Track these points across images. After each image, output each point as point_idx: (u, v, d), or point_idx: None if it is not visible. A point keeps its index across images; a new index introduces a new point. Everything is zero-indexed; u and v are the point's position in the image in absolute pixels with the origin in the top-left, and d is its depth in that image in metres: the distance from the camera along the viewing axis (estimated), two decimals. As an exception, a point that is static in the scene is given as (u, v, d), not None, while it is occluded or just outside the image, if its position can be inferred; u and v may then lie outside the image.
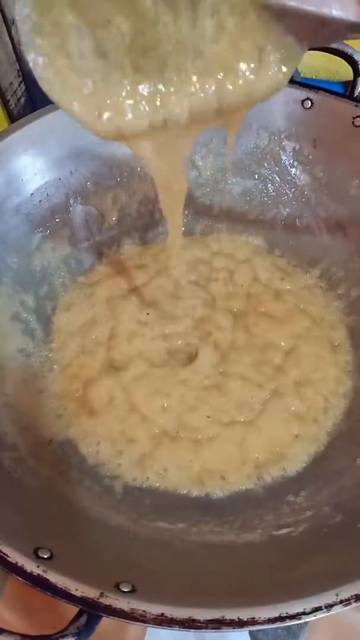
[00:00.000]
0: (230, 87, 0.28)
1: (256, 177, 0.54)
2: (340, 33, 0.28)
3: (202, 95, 0.28)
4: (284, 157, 0.52)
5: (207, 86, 0.28)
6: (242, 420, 0.43)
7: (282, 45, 0.28)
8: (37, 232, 0.48)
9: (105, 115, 0.28)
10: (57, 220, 0.50)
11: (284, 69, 0.28)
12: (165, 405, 0.43)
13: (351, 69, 0.47)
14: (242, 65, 0.28)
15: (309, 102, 0.49)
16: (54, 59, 0.27)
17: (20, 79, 0.60)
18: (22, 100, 0.61)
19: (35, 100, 0.63)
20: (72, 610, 0.27)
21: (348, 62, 0.47)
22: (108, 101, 0.27)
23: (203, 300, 0.49)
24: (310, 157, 0.51)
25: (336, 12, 0.26)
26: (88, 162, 0.50)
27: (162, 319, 0.48)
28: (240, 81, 0.28)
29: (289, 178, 0.53)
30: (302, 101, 0.49)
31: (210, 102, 0.29)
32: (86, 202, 0.51)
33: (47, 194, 0.48)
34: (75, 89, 0.27)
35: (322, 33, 0.28)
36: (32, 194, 0.47)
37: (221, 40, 0.27)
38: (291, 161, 0.52)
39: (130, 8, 0.26)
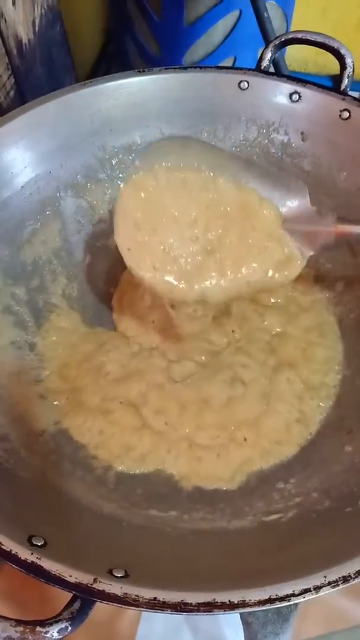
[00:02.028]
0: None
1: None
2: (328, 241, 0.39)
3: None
4: (272, 150, 0.53)
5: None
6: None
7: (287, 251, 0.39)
8: (27, 224, 0.48)
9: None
10: (47, 213, 0.50)
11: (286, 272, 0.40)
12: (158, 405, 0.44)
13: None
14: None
15: (297, 96, 0.49)
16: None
17: (10, 72, 0.60)
18: (12, 93, 0.61)
19: (24, 94, 0.63)
20: (64, 601, 0.27)
21: (335, 56, 0.47)
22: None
23: None
24: (299, 150, 0.51)
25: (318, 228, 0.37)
26: (78, 155, 0.50)
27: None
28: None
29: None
30: (290, 94, 0.49)
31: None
32: (77, 194, 0.51)
33: (37, 187, 0.48)
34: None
35: (317, 244, 0.38)
36: (22, 186, 0.47)
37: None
38: (280, 154, 0.52)
39: None
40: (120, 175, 0.53)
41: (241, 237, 0.39)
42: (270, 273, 0.39)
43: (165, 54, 0.75)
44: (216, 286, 0.39)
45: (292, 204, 0.39)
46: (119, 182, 0.53)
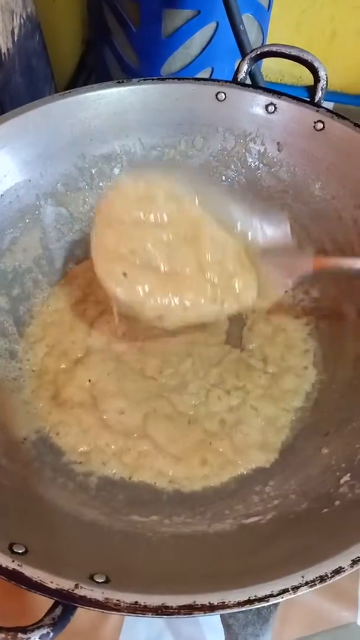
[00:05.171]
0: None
1: (223, 178, 0.55)
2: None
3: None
4: (249, 160, 0.54)
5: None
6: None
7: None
8: (7, 233, 0.48)
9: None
10: (27, 221, 0.50)
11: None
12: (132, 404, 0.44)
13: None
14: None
15: (273, 107, 0.50)
16: None
17: (-12, 82, 0.60)
18: (-10, 102, 0.61)
19: (3, 103, 0.63)
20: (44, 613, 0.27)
21: (308, 69, 0.49)
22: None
23: None
24: (275, 160, 0.53)
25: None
26: (58, 164, 0.51)
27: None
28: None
29: (254, 179, 0.54)
30: (266, 106, 0.51)
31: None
32: (56, 203, 0.52)
33: (17, 195, 0.49)
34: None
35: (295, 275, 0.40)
36: (2, 195, 0.48)
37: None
38: (257, 163, 0.54)
39: None
40: (100, 184, 0.54)
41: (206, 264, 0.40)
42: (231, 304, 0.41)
43: (143, 64, 0.76)
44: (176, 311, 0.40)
45: (272, 235, 0.40)
46: (98, 191, 0.54)
